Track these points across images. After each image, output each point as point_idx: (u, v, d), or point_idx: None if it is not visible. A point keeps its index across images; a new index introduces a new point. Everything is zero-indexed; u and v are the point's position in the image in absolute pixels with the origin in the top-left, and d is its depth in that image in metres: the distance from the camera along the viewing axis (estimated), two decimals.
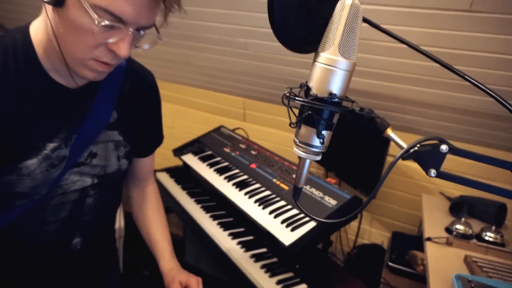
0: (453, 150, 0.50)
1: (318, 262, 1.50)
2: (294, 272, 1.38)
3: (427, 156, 0.51)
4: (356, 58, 0.53)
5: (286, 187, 1.50)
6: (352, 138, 1.67)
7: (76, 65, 0.67)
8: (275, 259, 1.44)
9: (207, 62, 2.07)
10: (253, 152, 1.78)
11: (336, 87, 0.51)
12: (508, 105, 0.51)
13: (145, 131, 0.95)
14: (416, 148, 0.50)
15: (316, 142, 0.54)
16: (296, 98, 0.52)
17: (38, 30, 0.70)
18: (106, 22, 0.60)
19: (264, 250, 1.48)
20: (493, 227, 1.27)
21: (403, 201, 1.90)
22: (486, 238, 1.24)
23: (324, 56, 0.51)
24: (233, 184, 1.58)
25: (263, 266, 1.38)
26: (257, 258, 1.42)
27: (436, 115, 1.63)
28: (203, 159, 1.83)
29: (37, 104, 0.72)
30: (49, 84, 0.72)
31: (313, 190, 1.45)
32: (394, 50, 1.40)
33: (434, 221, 1.37)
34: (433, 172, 0.51)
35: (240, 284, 1.37)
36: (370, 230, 2.05)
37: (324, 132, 0.53)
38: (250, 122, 2.31)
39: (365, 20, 0.55)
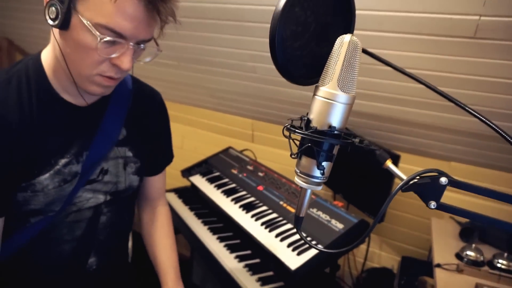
0: (453, 183, 0.51)
1: (325, 287, 1.47)
2: None
3: (427, 188, 0.51)
4: (355, 92, 0.54)
5: (293, 210, 1.50)
6: (360, 161, 1.67)
7: (84, 82, 0.71)
8: (281, 283, 1.42)
9: (217, 84, 2.12)
10: (260, 174, 1.79)
11: (335, 120, 0.53)
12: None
13: (154, 148, 0.98)
14: (415, 180, 0.51)
15: (317, 173, 0.55)
16: (297, 130, 0.53)
17: (48, 54, 0.76)
18: (108, 38, 0.64)
19: (270, 273, 1.47)
20: (506, 254, 1.24)
21: (413, 224, 1.87)
22: (499, 265, 1.21)
23: (324, 90, 0.53)
24: (240, 206, 1.59)
25: None
26: (263, 281, 1.40)
27: (447, 138, 1.62)
28: (211, 181, 1.84)
29: (49, 123, 0.76)
30: (60, 104, 0.77)
31: (319, 213, 1.44)
32: (401, 75, 1.41)
33: (444, 246, 1.34)
34: (433, 204, 0.51)
35: None
36: (379, 254, 2.01)
37: (324, 163, 0.54)
38: (258, 143, 2.33)
39: (364, 51, 0.57)
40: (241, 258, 1.53)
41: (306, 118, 0.55)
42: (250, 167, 1.87)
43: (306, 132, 0.53)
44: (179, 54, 1.94)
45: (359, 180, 1.70)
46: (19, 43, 2.90)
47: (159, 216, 1.07)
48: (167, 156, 1.06)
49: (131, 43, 0.67)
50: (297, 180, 0.58)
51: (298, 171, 0.57)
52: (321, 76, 0.54)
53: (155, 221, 1.06)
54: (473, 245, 1.26)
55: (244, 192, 1.69)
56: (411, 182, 0.51)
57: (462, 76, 1.26)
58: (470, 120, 1.47)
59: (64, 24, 0.64)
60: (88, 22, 0.63)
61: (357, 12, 1.30)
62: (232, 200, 1.64)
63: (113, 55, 0.67)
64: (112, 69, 0.70)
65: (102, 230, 0.90)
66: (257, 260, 1.54)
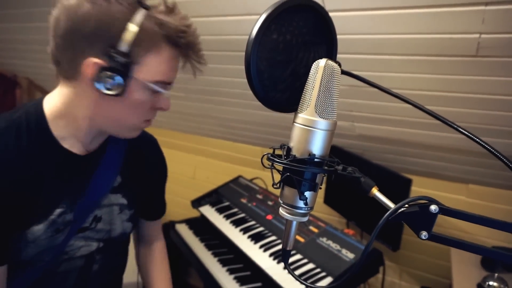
0: (444, 211, 0.47)
1: None
2: None
3: (417, 218, 0.48)
4: (336, 117, 0.52)
5: (302, 240, 1.45)
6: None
7: (126, 131, 0.78)
8: None
9: (225, 114, 2.13)
10: (270, 203, 1.75)
11: (316, 147, 0.51)
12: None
13: (147, 198, 0.96)
14: (403, 209, 0.48)
15: (300, 203, 0.52)
16: (275, 159, 0.51)
17: (53, 103, 0.76)
18: (165, 91, 0.74)
19: None
20: None
21: (432, 251, 1.77)
22: None
23: (302, 117, 0.51)
24: (249, 237, 1.55)
25: None
26: None
27: (463, 159, 1.56)
28: (220, 211, 1.82)
29: (47, 171, 0.75)
30: (59, 152, 0.76)
31: (329, 242, 1.39)
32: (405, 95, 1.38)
33: (465, 276, 1.25)
34: (424, 234, 0.48)
35: None
36: (400, 284, 1.91)
37: (307, 193, 0.52)
38: (268, 171, 2.30)
39: (344, 72, 0.55)
40: None
41: (286, 146, 0.53)
42: (259, 196, 1.84)
43: (284, 161, 0.51)
44: (186, 86, 1.97)
45: (372, 206, 1.64)
46: (40, 82, 3.04)
47: (155, 251, 1.06)
48: (160, 209, 1.05)
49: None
50: (281, 211, 0.55)
51: (282, 202, 0.54)
52: (300, 103, 0.52)
53: (151, 255, 1.06)
54: (496, 275, 1.17)
55: (253, 222, 1.65)
56: (399, 211, 0.48)
57: (466, 95, 1.23)
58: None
59: (121, 92, 0.68)
60: (148, 83, 0.70)
61: (353, 36, 1.30)
62: (241, 230, 1.61)
63: (160, 101, 0.75)
64: (154, 113, 0.78)
65: (95, 279, 0.87)
66: None
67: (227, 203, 1.87)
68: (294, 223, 0.55)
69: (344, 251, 1.32)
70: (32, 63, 2.76)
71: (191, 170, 2.68)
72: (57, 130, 0.75)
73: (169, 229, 1.93)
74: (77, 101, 0.73)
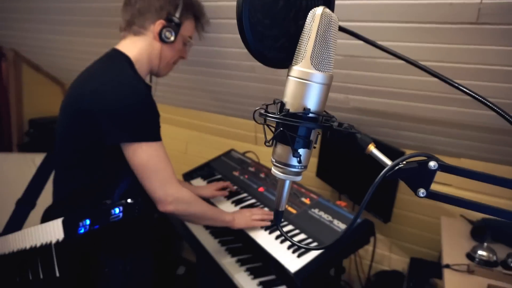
0: (443, 167, 0.45)
1: None
2: None
3: (415, 175, 0.46)
4: (333, 71, 0.49)
5: (294, 211, 1.45)
6: (364, 160, 1.60)
7: (165, 69, 1.29)
8: (283, 287, 1.36)
9: (217, 86, 2.09)
10: (261, 176, 1.74)
11: (311, 102, 0.48)
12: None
13: None
14: (401, 165, 0.46)
15: (294, 161, 0.50)
16: (268, 114, 0.49)
17: (132, 53, 1.18)
18: (192, 43, 1.32)
19: (272, 277, 1.41)
20: None
21: (422, 225, 1.79)
22: None
23: (297, 69, 0.48)
24: (240, 208, 1.54)
25: None
26: (264, 285, 1.35)
27: (456, 133, 1.55)
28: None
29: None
30: (147, 86, 1.22)
31: (321, 213, 1.38)
32: (404, 68, 1.35)
33: (454, 246, 1.26)
34: (422, 192, 0.46)
35: None
36: (390, 256, 1.93)
37: (301, 151, 0.50)
38: (261, 145, 2.28)
39: (341, 29, 0.52)
40: (242, 262, 1.49)
41: (279, 102, 0.51)
42: (251, 169, 1.83)
43: (278, 116, 0.48)
44: None
45: (364, 179, 1.64)
46: (25, 54, 2.94)
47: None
48: None
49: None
50: (274, 171, 0.53)
51: (274, 161, 0.52)
52: (295, 55, 0.49)
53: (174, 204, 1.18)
54: (485, 245, 1.18)
55: (245, 194, 1.64)
56: (397, 167, 0.46)
57: (465, 66, 1.20)
58: (479, 114, 1.39)
59: (173, 41, 1.22)
60: (186, 37, 1.28)
61: (350, 2, 1.25)
62: (232, 202, 1.60)
63: (184, 52, 1.31)
64: (179, 59, 1.34)
65: None
66: (259, 264, 1.48)
67: (219, 176, 1.85)
68: (287, 182, 0.53)
69: (336, 221, 1.32)
70: (16, 33, 2.65)
71: (183, 145, 2.65)
72: (140, 71, 1.18)
73: None
74: (145, 48, 1.19)
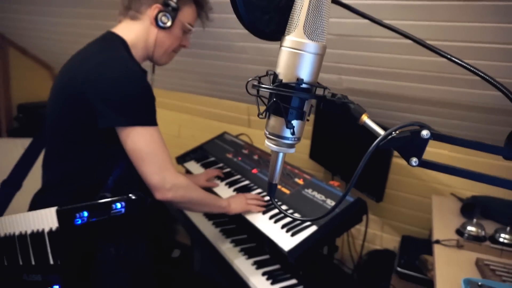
0: (436, 136, 0.46)
1: (323, 269, 1.43)
2: (297, 279, 1.32)
3: (407, 144, 0.46)
4: (326, 40, 0.49)
5: (287, 191, 1.46)
6: (356, 141, 1.61)
7: (163, 57, 1.23)
8: (277, 266, 1.38)
9: (209, 68, 2.06)
10: (255, 157, 1.74)
11: (304, 72, 0.48)
12: None
13: None
14: (394, 134, 0.46)
15: (287, 133, 0.50)
16: (261, 85, 0.48)
17: (128, 37, 1.15)
18: (192, 30, 1.23)
19: (266, 257, 1.43)
20: (509, 228, 1.18)
21: (414, 204, 1.82)
22: (501, 239, 1.15)
23: (289, 39, 0.48)
24: (234, 190, 1.54)
25: (265, 273, 1.33)
26: (258, 265, 1.37)
27: (448, 113, 1.56)
28: (206, 166, 1.80)
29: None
30: (142, 71, 1.17)
31: (315, 193, 1.40)
32: (396, 47, 1.35)
33: (444, 223, 1.29)
34: (414, 161, 0.46)
35: None
36: (381, 235, 1.97)
37: (295, 122, 0.50)
38: (255, 128, 2.28)
39: (334, 1, 0.52)
40: (236, 243, 1.50)
41: (273, 73, 0.50)
42: (245, 151, 1.83)
43: (271, 86, 0.48)
44: None
45: (357, 160, 1.65)
46: (10, 36, 2.86)
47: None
48: None
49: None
50: (267, 143, 0.53)
51: (267, 133, 0.52)
52: (287, 24, 0.49)
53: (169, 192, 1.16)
54: (475, 221, 1.21)
55: (238, 176, 1.65)
56: (390, 137, 0.46)
57: (460, 44, 1.20)
58: (470, 93, 1.40)
59: (170, 26, 1.16)
60: (185, 23, 1.20)
61: None
62: (226, 184, 1.60)
63: (185, 40, 1.25)
64: (179, 48, 1.27)
65: None
66: (253, 244, 1.50)
67: (212, 159, 1.85)
68: (281, 155, 0.53)
69: (329, 201, 1.34)
70: (1, 15, 2.58)
71: (176, 129, 2.63)
72: (136, 56, 1.16)
73: None
74: (142, 33, 1.16)
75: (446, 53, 0.51)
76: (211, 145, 1.99)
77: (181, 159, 1.93)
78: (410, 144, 0.46)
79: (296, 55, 0.47)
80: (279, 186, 1.51)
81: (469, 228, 1.19)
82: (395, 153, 1.56)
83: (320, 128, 1.86)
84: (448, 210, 1.41)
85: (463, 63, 0.50)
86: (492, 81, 0.47)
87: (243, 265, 1.37)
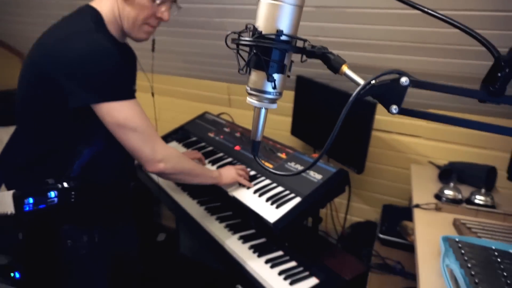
0: (415, 82, 0.46)
1: (309, 240, 1.46)
2: (283, 250, 1.35)
3: (387, 92, 0.47)
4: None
5: (270, 166, 1.47)
6: (336, 115, 1.63)
7: (134, 31, 1.11)
8: (263, 240, 1.40)
9: (186, 47, 2.03)
10: (237, 135, 1.74)
11: (284, 24, 0.47)
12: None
13: None
14: (373, 83, 0.47)
15: (268, 87, 0.50)
16: (241, 38, 0.48)
17: (103, 12, 1.07)
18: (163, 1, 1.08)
19: (252, 231, 1.45)
20: (483, 190, 1.23)
21: (393, 176, 1.86)
22: (476, 201, 1.20)
23: None
24: (218, 167, 1.54)
25: (251, 247, 1.35)
26: (245, 239, 1.39)
27: None
28: (188, 146, 1.79)
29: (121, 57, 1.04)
30: (120, 45, 1.14)
31: (297, 166, 1.41)
32: (373, 17, 1.35)
33: (423, 189, 1.33)
34: (394, 108, 0.47)
35: (230, 265, 1.34)
36: (362, 208, 2.02)
37: (276, 76, 0.49)
38: (235, 107, 2.27)
39: None
40: (222, 220, 1.51)
41: (252, 26, 0.49)
42: (226, 129, 1.82)
43: (250, 39, 0.47)
44: None
45: (338, 133, 1.67)
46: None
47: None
48: None
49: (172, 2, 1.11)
50: (249, 99, 0.53)
51: (249, 89, 0.52)
52: None
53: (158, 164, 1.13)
54: (452, 184, 1.25)
55: (221, 154, 1.65)
56: (370, 85, 0.46)
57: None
58: (448, 63, 1.43)
59: None
60: None
61: None
62: (210, 162, 1.60)
63: (161, 10, 1.09)
64: (156, 21, 1.12)
65: None
66: (238, 220, 1.51)
67: (194, 138, 1.84)
68: (263, 111, 0.53)
69: (312, 173, 1.35)
70: None
71: (155, 112, 2.59)
72: (112, 30, 1.10)
73: (136, 170, 1.89)
74: (112, 6, 1.07)
75: (419, 5, 0.51)
76: (192, 125, 1.97)
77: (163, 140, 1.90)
78: (390, 92, 0.47)
79: (275, 6, 0.47)
80: (262, 161, 1.52)
81: (447, 192, 1.23)
82: (375, 126, 1.59)
83: (301, 104, 1.87)
84: (426, 177, 1.45)
85: (438, 15, 0.50)
86: (471, 31, 0.48)
87: (230, 241, 1.39)
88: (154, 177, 1.79)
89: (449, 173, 1.38)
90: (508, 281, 0.74)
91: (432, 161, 1.64)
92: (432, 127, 1.74)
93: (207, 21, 1.72)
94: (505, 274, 0.76)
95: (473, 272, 0.76)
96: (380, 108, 1.60)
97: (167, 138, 1.92)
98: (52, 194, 0.96)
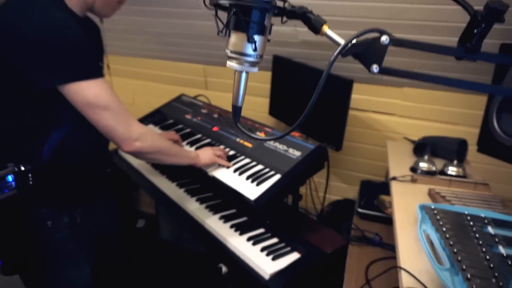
0: (395, 41, 0.47)
1: (289, 217, 1.48)
2: (265, 228, 1.36)
3: (368, 50, 0.47)
4: None
5: (249, 145, 1.46)
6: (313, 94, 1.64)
7: (105, 9, 1.07)
8: (244, 218, 1.41)
9: (160, 28, 1.97)
10: (214, 116, 1.72)
11: None
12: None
13: None
14: (354, 42, 0.46)
15: (249, 49, 0.49)
16: None
17: None
18: None
19: (233, 211, 1.45)
20: (455, 162, 1.28)
21: (370, 154, 1.90)
22: (449, 172, 1.25)
23: None
24: (196, 149, 1.52)
25: (232, 226, 1.35)
26: (226, 219, 1.39)
27: (399, 62, 1.61)
28: (165, 128, 1.76)
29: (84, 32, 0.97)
30: (80, 20, 1.06)
31: (276, 144, 1.41)
32: None
33: (399, 163, 1.37)
34: (375, 67, 0.47)
35: (211, 245, 1.33)
36: (341, 186, 2.06)
37: (256, 37, 0.48)
38: (212, 89, 2.24)
39: None
40: (202, 201, 1.50)
41: None
42: (204, 111, 1.80)
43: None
44: None
45: (315, 112, 1.68)
46: None
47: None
48: None
49: None
50: (229, 63, 0.52)
51: (229, 52, 0.51)
52: None
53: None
54: (426, 157, 1.29)
55: (199, 135, 1.63)
56: (351, 44, 0.46)
57: None
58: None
59: None
60: None
61: None
62: (188, 143, 1.58)
63: None
64: None
65: None
66: (219, 201, 1.51)
67: (171, 121, 1.81)
68: (244, 74, 0.52)
69: (291, 150, 1.36)
70: None
71: (130, 96, 2.52)
72: (70, 4, 1.02)
73: (113, 156, 1.84)
74: None
75: None
76: (168, 108, 1.93)
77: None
78: (371, 51, 0.47)
79: None
80: (241, 141, 1.51)
81: (421, 164, 1.27)
82: (351, 105, 1.61)
83: (278, 84, 1.86)
84: (402, 152, 1.49)
85: None
86: None
87: (210, 220, 1.38)
88: (132, 161, 1.75)
89: (423, 147, 1.42)
90: (480, 242, 0.78)
91: (406, 136, 1.68)
92: (406, 105, 1.78)
93: None
94: (477, 235, 0.80)
95: (448, 235, 0.79)
96: (356, 86, 1.62)
97: (143, 121, 1.87)
98: (10, 178, 0.94)
